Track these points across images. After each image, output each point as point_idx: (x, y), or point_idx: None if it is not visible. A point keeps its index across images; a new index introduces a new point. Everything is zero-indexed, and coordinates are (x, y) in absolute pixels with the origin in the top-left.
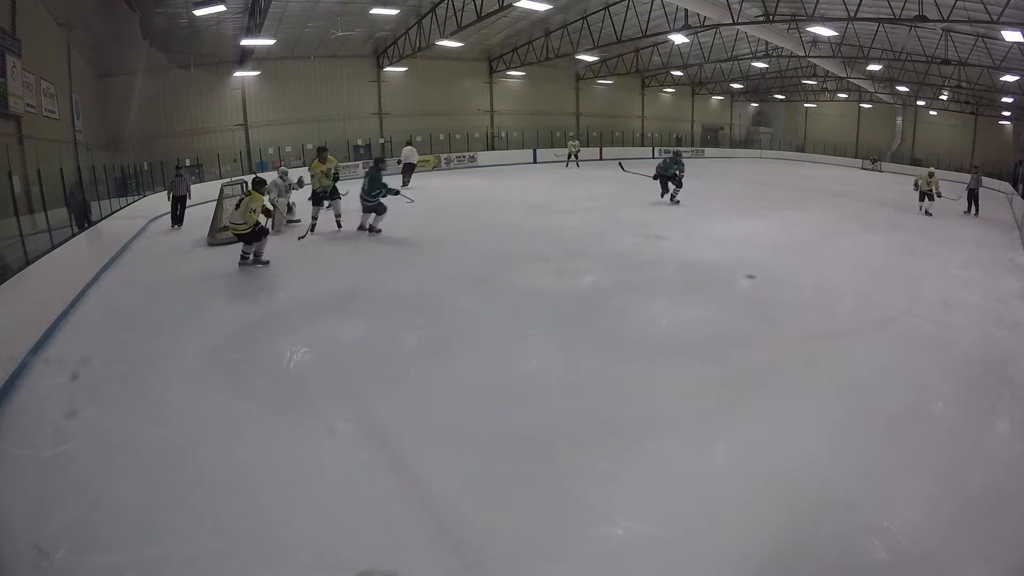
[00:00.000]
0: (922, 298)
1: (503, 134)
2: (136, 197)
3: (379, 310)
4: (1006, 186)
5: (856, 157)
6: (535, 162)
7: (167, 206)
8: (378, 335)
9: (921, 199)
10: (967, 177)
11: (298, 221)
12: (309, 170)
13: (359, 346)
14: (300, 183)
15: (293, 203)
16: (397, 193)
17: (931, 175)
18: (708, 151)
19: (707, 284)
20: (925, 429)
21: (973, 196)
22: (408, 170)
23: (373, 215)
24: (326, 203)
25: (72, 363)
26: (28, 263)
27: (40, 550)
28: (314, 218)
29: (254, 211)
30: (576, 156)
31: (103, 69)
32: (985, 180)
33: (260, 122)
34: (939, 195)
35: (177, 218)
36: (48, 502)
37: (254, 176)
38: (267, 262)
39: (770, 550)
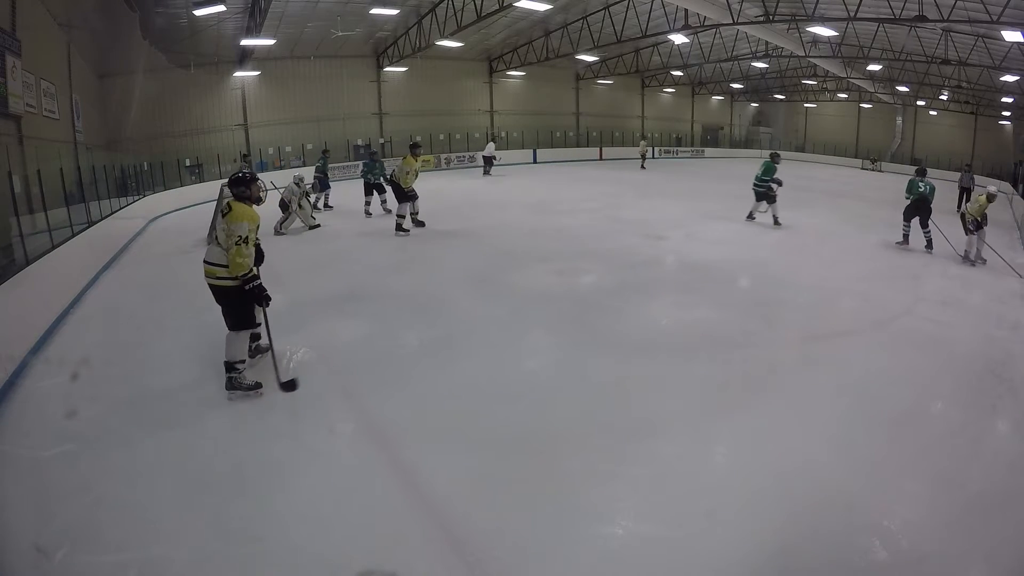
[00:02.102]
0: (922, 298)
1: (503, 134)
2: (136, 197)
3: (379, 310)
4: (1006, 186)
5: (856, 157)
6: (535, 162)
7: (167, 206)
8: (378, 335)
9: (971, 230)
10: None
11: (318, 226)
12: (403, 165)
13: (359, 346)
14: (315, 187)
15: (316, 200)
16: (780, 184)
17: (990, 199)
18: (708, 151)
19: (707, 284)
20: (925, 429)
21: (965, 194)
22: (488, 162)
23: (764, 203)
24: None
25: (72, 363)
26: (28, 263)
27: (40, 550)
28: (400, 216)
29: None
30: (644, 157)
31: (103, 69)
32: (986, 180)
33: (260, 122)
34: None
35: None
36: (48, 502)
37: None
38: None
39: (770, 550)
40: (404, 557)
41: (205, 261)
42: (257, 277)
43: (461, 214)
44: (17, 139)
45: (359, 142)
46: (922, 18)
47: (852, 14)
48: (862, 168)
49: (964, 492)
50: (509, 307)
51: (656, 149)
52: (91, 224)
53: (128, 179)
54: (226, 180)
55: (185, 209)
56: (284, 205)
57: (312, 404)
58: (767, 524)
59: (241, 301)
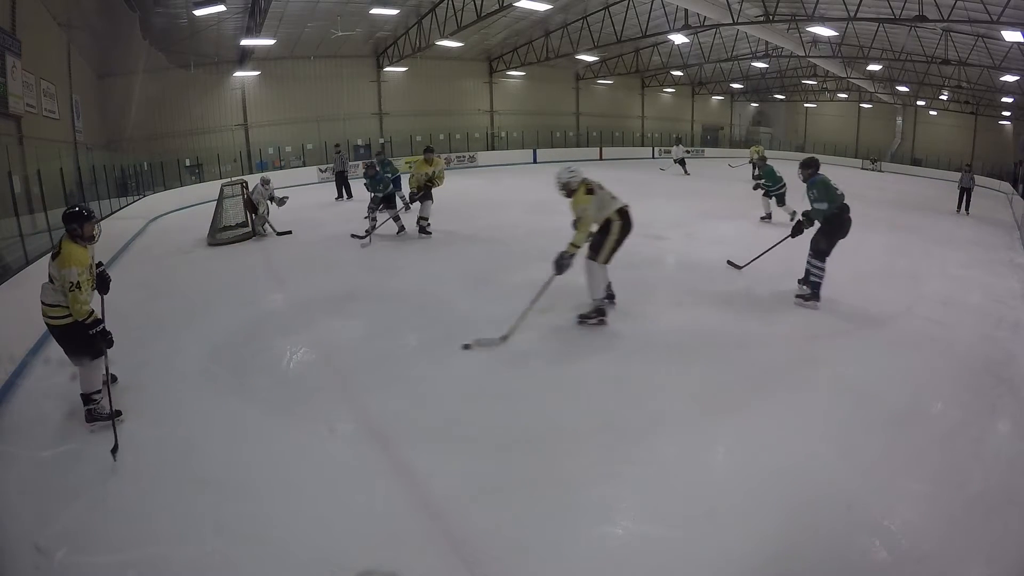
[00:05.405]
0: (922, 298)
1: (503, 134)
2: (136, 197)
3: (379, 310)
4: (1006, 186)
5: (856, 157)
6: (535, 162)
7: (167, 206)
8: (378, 335)
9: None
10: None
11: (289, 232)
12: (414, 170)
13: (359, 346)
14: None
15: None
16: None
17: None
18: (708, 151)
19: (707, 284)
20: (925, 429)
21: (965, 194)
22: (682, 163)
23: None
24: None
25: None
26: (28, 263)
27: (40, 550)
28: (423, 218)
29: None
30: (755, 165)
31: (103, 69)
32: (986, 180)
33: (260, 122)
34: None
35: (340, 191)
36: (48, 502)
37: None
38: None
39: (770, 550)
40: (404, 557)
41: (41, 301)
42: (100, 320)
43: (460, 214)
44: (17, 139)
45: (359, 142)
46: (922, 18)
47: (852, 14)
48: (862, 168)
49: (964, 492)
50: (509, 307)
51: (656, 150)
52: None
53: (128, 179)
54: (226, 180)
55: (185, 209)
56: (253, 206)
57: (312, 404)
58: (767, 524)
59: (84, 339)
